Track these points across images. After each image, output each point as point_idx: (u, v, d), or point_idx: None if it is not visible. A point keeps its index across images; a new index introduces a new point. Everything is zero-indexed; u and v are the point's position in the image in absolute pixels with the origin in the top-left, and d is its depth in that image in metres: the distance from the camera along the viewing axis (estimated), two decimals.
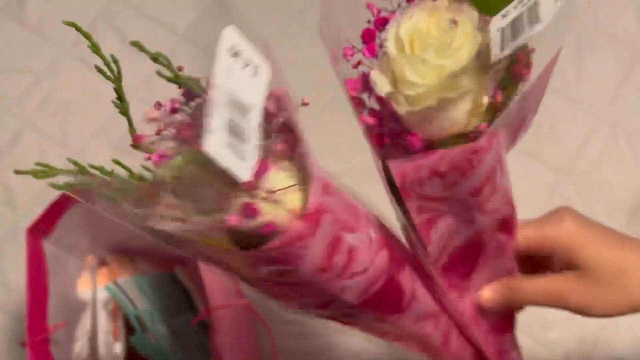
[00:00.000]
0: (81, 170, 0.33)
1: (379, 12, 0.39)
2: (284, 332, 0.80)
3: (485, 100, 0.39)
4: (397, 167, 0.40)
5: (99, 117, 0.89)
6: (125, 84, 0.95)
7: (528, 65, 0.40)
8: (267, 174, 0.33)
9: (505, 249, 0.48)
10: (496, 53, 0.37)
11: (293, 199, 0.34)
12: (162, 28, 0.94)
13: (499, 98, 0.39)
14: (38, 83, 0.91)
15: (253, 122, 0.31)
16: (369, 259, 0.40)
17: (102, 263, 0.71)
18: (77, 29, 0.36)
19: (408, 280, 0.45)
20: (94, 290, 0.69)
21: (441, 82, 0.37)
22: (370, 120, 0.40)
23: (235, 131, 0.29)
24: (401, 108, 0.38)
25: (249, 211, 0.33)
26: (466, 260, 0.47)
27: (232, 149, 0.29)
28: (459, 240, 0.46)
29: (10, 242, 0.84)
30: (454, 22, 0.37)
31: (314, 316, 0.46)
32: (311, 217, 0.34)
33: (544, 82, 0.43)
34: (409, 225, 0.44)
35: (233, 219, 0.33)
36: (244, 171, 0.30)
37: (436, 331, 0.50)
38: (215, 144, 0.28)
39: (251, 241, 0.34)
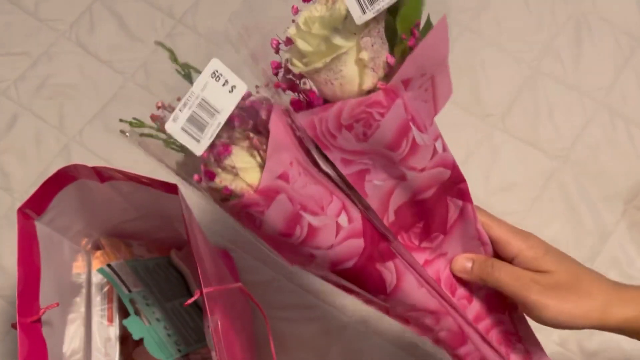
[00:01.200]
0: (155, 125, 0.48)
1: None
2: (279, 316, 0.81)
3: (364, 55, 0.46)
4: (303, 118, 0.48)
5: (96, 102, 0.89)
6: (123, 69, 0.96)
7: (411, 33, 0.47)
8: (228, 154, 0.47)
9: (465, 215, 0.53)
10: (359, 16, 0.44)
11: (252, 177, 0.47)
12: (159, 12, 0.94)
13: (392, 61, 0.47)
14: (35, 67, 0.91)
15: (218, 121, 0.45)
16: (333, 240, 0.49)
17: (97, 247, 0.71)
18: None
19: (392, 275, 0.52)
20: (89, 273, 0.69)
21: (321, 46, 0.46)
22: (283, 85, 0.49)
23: (196, 123, 0.45)
24: (296, 69, 0.48)
25: (208, 174, 0.47)
26: (416, 218, 0.53)
27: (187, 133, 0.44)
28: (400, 197, 0.52)
29: (6, 226, 0.84)
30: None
31: (312, 273, 0.53)
32: (263, 192, 0.46)
33: (438, 42, 0.47)
34: (339, 177, 0.50)
35: (196, 177, 0.48)
36: (196, 149, 0.45)
37: (437, 326, 0.55)
38: (172, 127, 0.44)
39: (222, 197, 0.48)
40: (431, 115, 0.50)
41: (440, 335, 0.56)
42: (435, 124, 0.51)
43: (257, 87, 0.49)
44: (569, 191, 0.86)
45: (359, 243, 0.50)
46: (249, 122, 0.48)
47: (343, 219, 0.49)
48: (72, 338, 0.66)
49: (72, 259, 0.69)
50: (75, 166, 0.58)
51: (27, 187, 0.86)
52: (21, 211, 0.58)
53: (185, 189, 0.57)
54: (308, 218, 0.47)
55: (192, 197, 0.63)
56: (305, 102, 0.49)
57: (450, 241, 0.55)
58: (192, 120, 0.45)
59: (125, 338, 0.67)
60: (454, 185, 0.52)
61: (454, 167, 0.51)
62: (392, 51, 0.47)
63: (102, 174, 0.60)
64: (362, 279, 0.52)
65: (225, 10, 0.94)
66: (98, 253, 0.70)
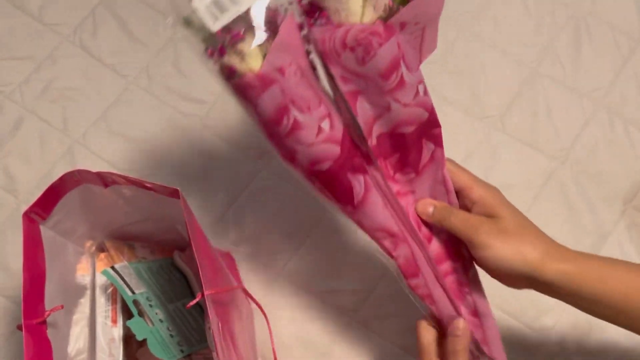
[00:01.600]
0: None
1: None
2: (280, 316, 0.81)
3: None
4: (317, 33, 0.55)
5: (99, 104, 0.90)
6: (125, 72, 0.96)
7: None
8: (241, 39, 0.53)
9: (436, 159, 0.61)
10: None
11: (255, 64, 0.53)
12: (162, 15, 0.95)
13: (392, 5, 0.54)
14: (39, 70, 0.92)
15: (237, 9, 0.53)
16: (313, 140, 0.56)
17: (101, 249, 0.72)
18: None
19: (360, 186, 0.59)
20: (93, 275, 0.70)
21: None
22: (305, 7, 0.56)
23: (219, 6, 0.52)
24: None
25: (220, 50, 0.54)
26: (394, 149, 0.60)
27: (210, 14, 0.52)
28: (384, 126, 0.59)
29: (11, 227, 0.85)
30: None
31: (298, 174, 0.60)
32: (260, 77, 0.53)
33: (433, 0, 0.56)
34: (338, 93, 0.57)
35: (209, 51, 0.54)
36: (213, 26, 0.53)
37: (395, 251, 0.62)
38: (198, 3, 0.52)
39: (227, 75, 0.55)
40: (417, 61, 0.57)
41: (399, 261, 0.62)
42: (420, 71, 0.58)
43: None
44: (568, 191, 0.87)
45: (335, 149, 0.57)
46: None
47: (325, 124, 0.57)
48: (76, 339, 0.67)
49: (76, 261, 0.70)
50: (79, 171, 0.59)
51: (31, 189, 0.87)
52: (27, 215, 0.59)
53: (185, 192, 0.58)
54: (294, 112, 0.55)
55: (194, 201, 0.64)
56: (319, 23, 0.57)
57: (420, 181, 0.62)
58: (216, 3, 0.53)
59: (128, 338, 0.68)
60: (430, 128, 0.59)
61: (432, 111, 0.58)
62: None
63: (105, 179, 0.61)
64: (334, 184, 0.59)
65: None
66: (102, 255, 0.71)
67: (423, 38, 0.57)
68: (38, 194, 0.87)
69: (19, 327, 0.56)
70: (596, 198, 0.87)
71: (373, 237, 0.62)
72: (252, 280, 0.83)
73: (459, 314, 0.62)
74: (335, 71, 0.56)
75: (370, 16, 0.54)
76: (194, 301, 0.55)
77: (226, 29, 0.53)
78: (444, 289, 0.62)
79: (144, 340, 0.63)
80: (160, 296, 0.69)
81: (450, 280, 0.63)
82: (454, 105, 0.91)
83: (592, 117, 0.90)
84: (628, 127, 0.90)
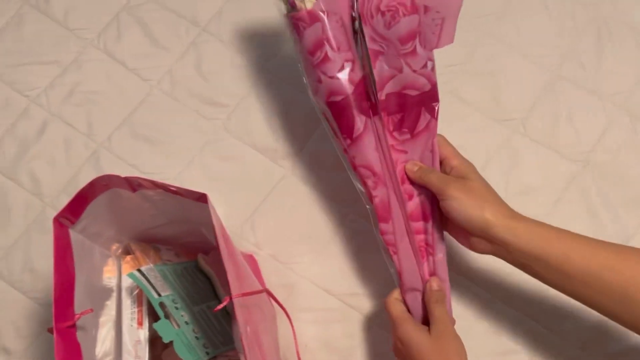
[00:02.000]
0: None
1: None
2: (302, 319, 0.82)
3: None
4: None
5: (124, 108, 0.91)
6: (148, 76, 0.98)
7: None
8: None
9: (430, 128, 0.72)
10: None
11: (310, 5, 0.69)
12: (184, 20, 0.96)
13: None
14: (64, 75, 0.93)
15: None
16: (335, 73, 0.70)
17: (127, 252, 0.73)
18: None
19: (361, 124, 0.71)
20: (119, 277, 0.71)
21: None
22: None
23: None
24: None
25: None
26: (398, 108, 0.72)
27: None
28: (394, 85, 0.71)
29: (37, 230, 0.86)
30: None
31: (318, 104, 0.73)
32: (310, 13, 0.69)
33: None
34: (365, 51, 0.70)
35: None
36: None
37: (374, 191, 0.73)
38: None
39: (288, 9, 0.71)
40: (432, 44, 0.70)
41: (376, 201, 0.73)
42: (432, 53, 0.71)
43: None
44: (590, 195, 0.87)
45: (349, 87, 0.71)
46: None
47: (348, 65, 0.71)
48: (103, 340, 0.68)
49: (103, 264, 0.71)
50: (108, 176, 0.60)
51: (57, 192, 0.88)
52: (57, 220, 0.60)
53: (210, 194, 0.59)
54: (327, 48, 0.70)
55: (216, 204, 0.65)
56: None
57: (413, 144, 0.73)
58: None
59: (154, 340, 0.69)
60: (430, 101, 0.71)
61: (434, 86, 0.71)
62: None
63: (133, 184, 0.62)
64: (342, 115, 0.71)
65: (248, 17, 0.96)
66: (128, 258, 0.72)
67: (442, 28, 0.70)
68: (63, 197, 0.89)
69: (50, 330, 0.57)
70: (618, 202, 0.87)
71: (359, 174, 0.73)
72: (274, 283, 0.84)
73: (420, 271, 0.72)
74: (367, 31, 0.70)
75: None
76: (222, 304, 0.56)
77: None
78: (412, 245, 0.72)
79: (169, 342, 0.64)
80: (186, 298, 0.70)
81: (419, 239, 0.72)
82: (474, 108, 0.91)
83: (613, 121, 0.90)
84: None
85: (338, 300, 0.84)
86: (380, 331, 0.82)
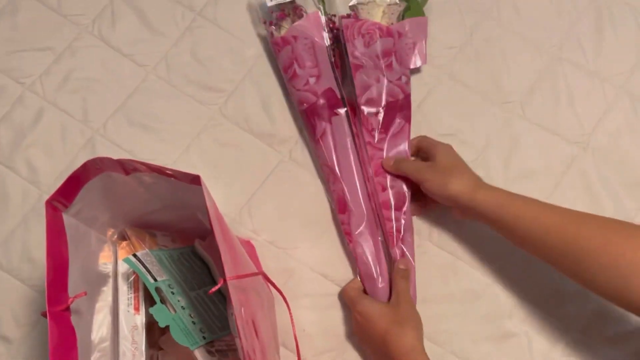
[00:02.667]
0: None
1: None
2: (300, 305, 0.82)
3: (386, 10, 0.89)
4: (346, 22, 0.87)
5: (119, 95, 0.91)
6: (144, 62, 0.97)
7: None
8: (283, 18, 0.90)
9: (403, 132, 0.85)
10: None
11: (283, 32, 0.89)
12: (180, 5, 0.95)
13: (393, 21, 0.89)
14: (59, 61, 0.92)
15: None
16: (301, 86, 0.86)
17: (123, 237, 0.73)
18: None
19: (321, 128, 0.85)
20: (115, 263, 0.70)
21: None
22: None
23: None
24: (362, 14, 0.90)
25: (273, 22, 0.90)
26: (375, 113, 0.85)
27: None
28: (372, 92, 0.85)
29: (34, 218, 0.86)
30: None
31: (298, 110, 0.88)
32: (283, 39, 0.87)
33: (419, 27, 0.89)
34: (348, 64, 0.86)
35: (263, 20, 0.91)
36: (270, 4, 0.90)
37: (332, 186, 0.84)
38: None
39: (270, 37, 0.89)
40: (407, 63, 0.88)
41: (334, 196, 0.84)
42: (408, 70, 0.87)
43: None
44: (590, 178, 0.86)
45: (312, 98, 0.85)
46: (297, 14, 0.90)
47: (312, 80, 0.86)
48: (99, 326, 0.67)
49: (98, 249, 0.71)
50: (100, 159, 0.59)
51: (53, 180, 0.87)
52: (49, 203, 0.60)
53: (205, 180, 0.58)
54: (295, 66, 0.86)
55: (214, 190, 0.64)
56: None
57: (389, 144, 0.84)
58: None
59: (151, 325, 0.69)
60: (403, 109, 0.86)
61: (407, 96, 0.86)
62: (402, 17, 0.90)
63: (126, 166, 0.61)
64: (308, 120, 0.86)
65: (243, 2, 0.95)
66: (124, 243, 0.71)
67: (414, 51, 0.88)
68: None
69: (44, 314, 0.57)
70: (618, 184, 0.86)
71: (323, 171, 0.86)
72: (272, 269, 0.83)
73: (392, 255, 0.81)
74: (350, 49, 0.86)
75: (385, 22, 0.89)
76: (217, 287, 0.56)
77: (276, 7, 0.90)
78: (384, 230, 0.82)
79: (167, 328, 0.63)
80: (182, 284, 0.69)
81: (389, 226, 0.81)
82: (473, 91, 0.90)
83: (614, 103, 0.89)
84: None
85: (336, 285, 0.83)
86: None
